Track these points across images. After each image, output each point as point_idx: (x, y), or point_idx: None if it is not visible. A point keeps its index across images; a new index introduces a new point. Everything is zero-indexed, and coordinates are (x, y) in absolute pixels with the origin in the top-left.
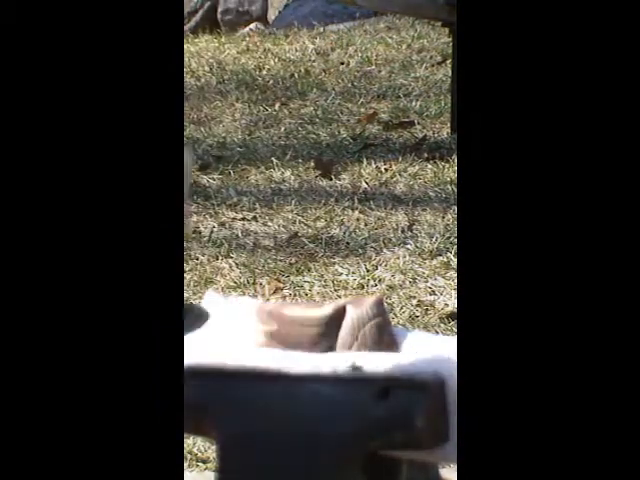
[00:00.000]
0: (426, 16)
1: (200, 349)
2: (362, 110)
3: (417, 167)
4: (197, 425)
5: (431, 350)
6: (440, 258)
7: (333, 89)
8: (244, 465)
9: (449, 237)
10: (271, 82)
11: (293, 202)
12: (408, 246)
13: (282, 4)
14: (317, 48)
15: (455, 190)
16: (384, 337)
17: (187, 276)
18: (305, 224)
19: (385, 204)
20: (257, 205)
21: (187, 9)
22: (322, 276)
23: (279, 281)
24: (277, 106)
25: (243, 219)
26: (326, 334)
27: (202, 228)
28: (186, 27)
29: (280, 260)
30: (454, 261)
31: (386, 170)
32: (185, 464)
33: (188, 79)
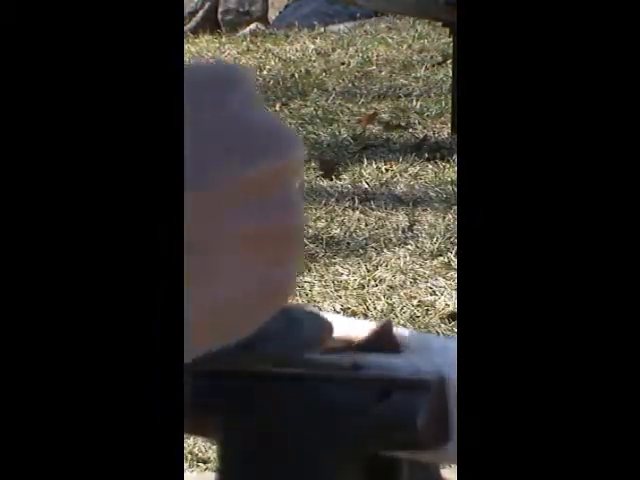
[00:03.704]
0: (427, 16)
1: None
2: (363, 110)
3: (418, 167)
4: (197, 425)
5: (432, 350)
6: (441, 258)
7: (334, 89)
8: (244, 465)
9: (450, 237)
10: (272, 82)
11: None
12: (409, 246)
13: (282, 4)
14: (318, 48)
15: (456, 190)
16: (385, 337)
17: None
18: (306, 224)
19: (386, 204)
20: None
21: (187, 9)
22: (322, 276)
23: None
24: (278, 106)
25: None
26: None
27: None
28: (187, 27)
29: None
30: (455, 261)
31: (387, 170)
32: (185, 464)
33: None
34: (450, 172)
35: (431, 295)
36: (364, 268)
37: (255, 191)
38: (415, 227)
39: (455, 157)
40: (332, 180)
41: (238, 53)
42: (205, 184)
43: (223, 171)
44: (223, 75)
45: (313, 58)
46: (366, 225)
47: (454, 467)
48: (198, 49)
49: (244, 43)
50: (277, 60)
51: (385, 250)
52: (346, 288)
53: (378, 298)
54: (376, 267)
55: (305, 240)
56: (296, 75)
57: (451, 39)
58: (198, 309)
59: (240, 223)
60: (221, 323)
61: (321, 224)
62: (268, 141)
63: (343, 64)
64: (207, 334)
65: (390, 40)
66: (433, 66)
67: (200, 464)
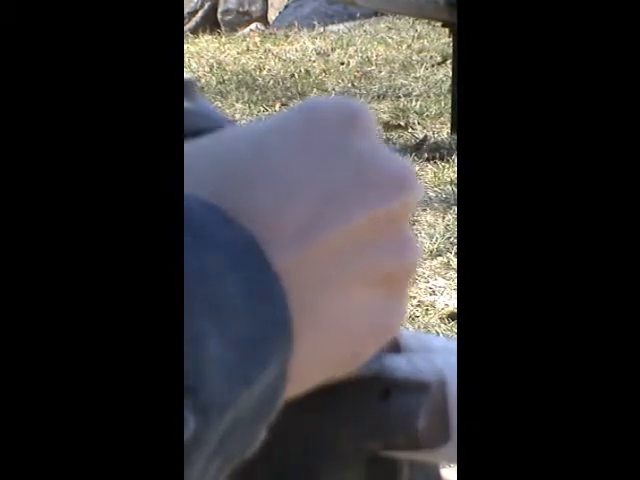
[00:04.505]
0: (426, 16)
1: None
2: None
3: (417, 167)
4: None
5: (432, 351)
6: (440, 258)
7: (333, 89)
8: (243, 465)
9: (449, 237)
10: (271, 82)
11: None
12: None
13: (282, 4)
14: (317, 48)
15: (455, 190)
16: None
17: None
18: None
19: None
20: None
21: (187, 9)
22: None
23: None
24: (277, 106)
25: None
26: None
27: None
28: (186, 27)
29: None
30: (454, 261)
31: None
32: None
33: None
34: (449, 172)
35: (430, 295)
36: None
37: (374, 231)
38: (414, 227)
39: (455, 157)
40: None
41: (238, 53)
42: (330, 224)
43: (347, 212)
44: (347, 114)
45: (313, 58)
46: None
47: (454, 467)
48: (198, 49)
49: (244, 43)
50: (277, 60)
51: None
52: None
53: None
54: None
55: None
56: (296, 75)
57: (450, 39)
58: (309, 348)
59: (357, 264)
60: (331, 362)
61: None
62: (390, 181)
63: (343, 64)
64: (317, 372)
65: (390, 40)
66: (433, 66)
67: None
